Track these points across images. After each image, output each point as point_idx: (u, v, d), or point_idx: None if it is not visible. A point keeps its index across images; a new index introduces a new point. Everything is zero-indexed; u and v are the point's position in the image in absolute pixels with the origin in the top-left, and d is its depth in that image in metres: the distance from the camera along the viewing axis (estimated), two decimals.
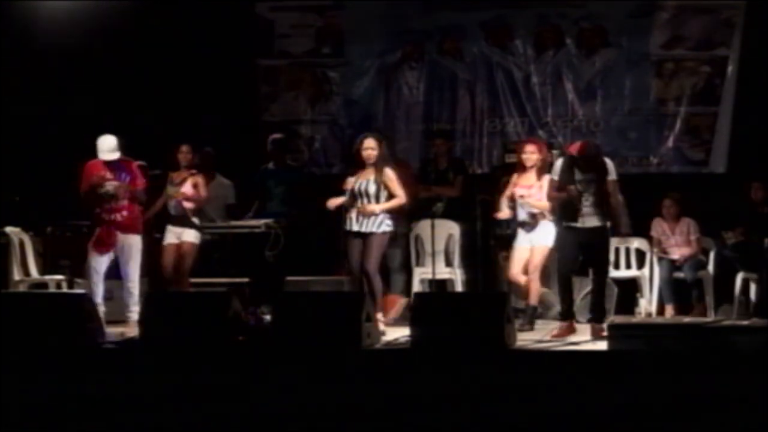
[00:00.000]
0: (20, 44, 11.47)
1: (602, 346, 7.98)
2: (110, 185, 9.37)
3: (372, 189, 9.06)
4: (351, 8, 12.13)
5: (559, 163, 9.12)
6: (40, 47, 11.54)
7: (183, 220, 9.76)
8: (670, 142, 11.73)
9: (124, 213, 9.39)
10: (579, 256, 8.99)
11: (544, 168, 9.36)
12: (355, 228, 9.07)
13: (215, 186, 10.79)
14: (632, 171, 11.62)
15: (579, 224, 8.88)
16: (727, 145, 11.58)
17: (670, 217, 10.52)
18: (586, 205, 8.89)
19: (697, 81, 11.69)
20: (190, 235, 9.76)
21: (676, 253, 10.40)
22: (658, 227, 10.55)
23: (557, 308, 9.46)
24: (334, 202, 9.22)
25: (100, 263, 9.34)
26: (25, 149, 11.13)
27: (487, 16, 11.98)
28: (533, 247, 9.27)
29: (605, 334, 8.54)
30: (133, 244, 9.37)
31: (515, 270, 9.33)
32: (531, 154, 9.36)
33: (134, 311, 9.23)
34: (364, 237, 9.05)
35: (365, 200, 9.07)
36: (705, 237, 10.53)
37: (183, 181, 9.82)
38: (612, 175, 8.98)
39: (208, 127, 11.24)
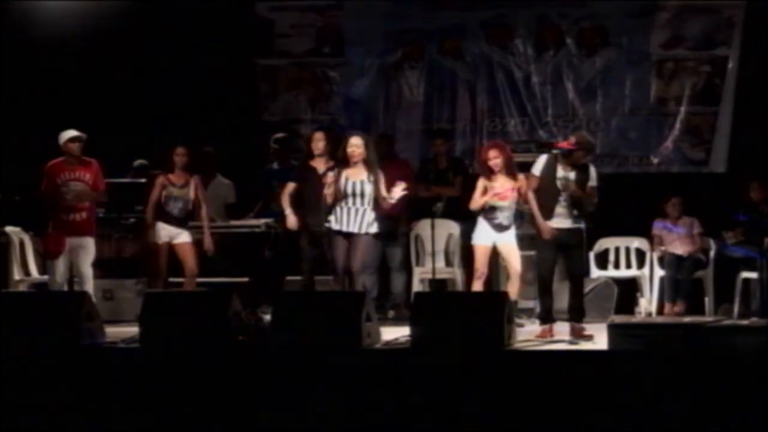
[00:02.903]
0: (19, 43, 11.48)
1: (602, 345, 7.98)
2: (73, 188, 9.47)
3: (368, 189, 8.91)
4: (351, 8, 12.13)
5: (543, 159, 9.05)
6: (39, 46, 11.54)
7: (183, 223, 9.77)
8: (670, 142, 11.74)
9: (84, 214, 9.50)
10: (557, 257, 8.94)
11: (514, 166, 9.27)
12: (342, 228, 8.90)
13: (215, 186, 10.80)
14: (632, 171, 11.64)
15: (555, 224, 8.84)
16: (728, 144, 11.58)
17: (672, 216, 10.54)
18: (563, 205, 8.84)
19: (697, 81, 11.70)
20: (185, 236, 9.77)
21: (679, 249, 10.40)
22: (659, 225, 10.56)
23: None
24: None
25: (57, 266, 9.46)
26: (25, 149, 11.13)
27: (487, 16, 11.99)
28: (503, 245, 9.16)
29: (586, 333, 8.57)
30: (88, 246, 9.51)
31: (482, 268, 9.18)
32: (495, 159, 9.14)
33: None
34: (350, 237, 8.92)
35: (358, 200, 8.93)
36: (705, 237, 10.54)
37: (186, 184, 9.81)
38: (593, 182, 8.89)
39: (208, 127, 11.25)
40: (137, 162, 11.00)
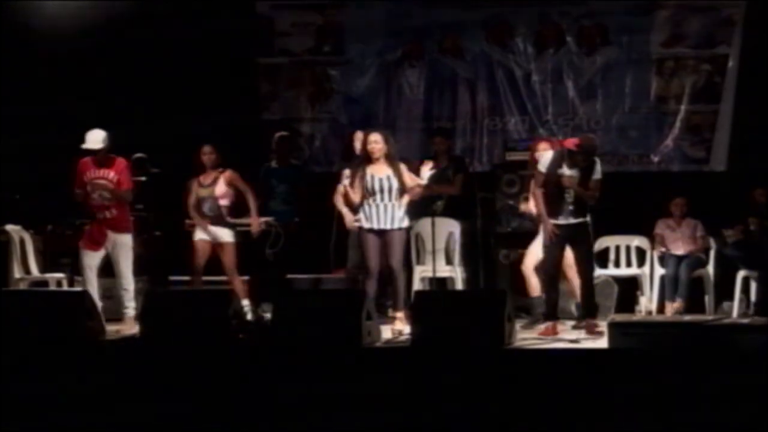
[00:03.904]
0: (20, 43, 11.48)
1: (602, 344, 7.98)
2: (99, 187, 9.46)
3: (395, 184, 8.91)
4: (351, 6, 12.14)
5: (547, 156, 9.10)
6: (39, 46, 11.54)
7: (218, 220, 9.78)
8: (670, 141, 11.73)
9: (113, 211, 9.47)
10: (563, 252, 8.97)
11: None
12: (373, 226, 8.92)
13: None
14: (633, 169, 11.64)
15: (562, 221, 8.88)
16: (728, 143, 11.58)
17: (676, 216, 10.55)
18: (569, 201, 8.88)
19: (697, 79, 11.70)
20: (226, 235, 9.76)
21: (681, 249, 10.40)
22: (662, 224, 10.57)
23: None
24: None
25: (93, 259, 9.40)
26: (25, 148, 11.13)
27: (487, 14, 11.98)
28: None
29: (599, 329, 8.57)
30: (124, 242, 9.45)
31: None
32: (545, 150, 9.30)
33: (130, 307, 9.32)
34: (383, 234, 8.93)
35: (386, 196, 8.93)
36: (706, 235, 10.54)
37: (215, 181, 9.83)
38: (597, 175, 8.94)
39: (208, 126, 11.23)
40: (135, 155, 10.98)
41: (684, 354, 7.33)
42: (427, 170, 8.95)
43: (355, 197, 8.96)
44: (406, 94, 12.15)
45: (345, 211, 9.71)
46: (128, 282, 9.41)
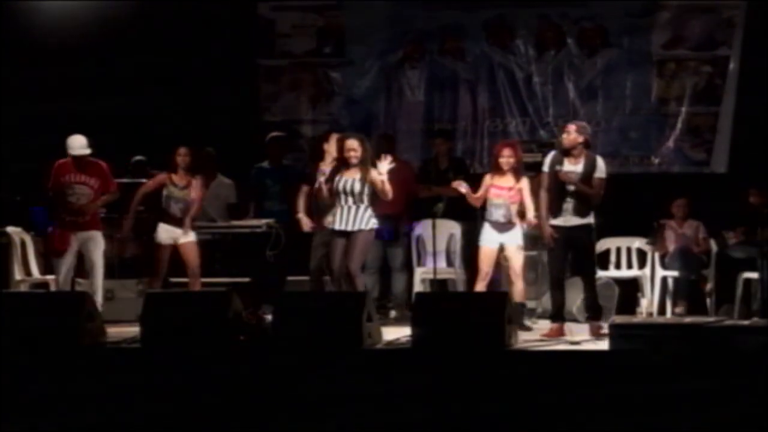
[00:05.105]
0: (20, 44, 11.48)
1: (603, 345, 7.98)
2: (79, 191, 9.54)
3: (357, 188, 8.87)
4: (352, 8, 12.13)
5: (549, 156, 9.10)
6: (40, 47, 11.54)
7: (182, 222, 9.75)
8: (671, 142, 11.74)
9: (87, 216, 9.60)
10: (568, 255, 8.97)
11: (520, 170, 9.32)
12: (341, 227, 8.89)
13: (216, 185, 10.79)
14: (633, 171, 11.65)
15: (562, 222, 8.87)
16: (729, 145, 11.59)
17: (677, 217, 10.55)
18: (570, 201, 8.86)
19: (698, 81, 11.70)
20: (190, 235, 9.76)
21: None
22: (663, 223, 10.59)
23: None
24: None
25: (63, 266, 9.53)
26: (25, 149, 11.13)
27: (488, 16, 11.99)
28: (509, 246, 9.22)
29: (604, 331, 8.56)
30: (94, 237, 9.58)
31: (486, 269, 9.26)
32: (509, 158, 9.21)
33: (98, 303, 9.32)
34: (349, 235, 8.91)
35: (350, 199, 8.92)
36: (708, 237, 10.54)
37: (188, 185, 9.81)
38: (600, 173, 8.92)
39: (209, 127, 11.24)
40: (135, 158, 11.00)
41: (685, 356, 7.32)
42: (386, 164, 8.91)
43: (327, 197, 8.98)
44: (406, 95, 12.15)
45: (301, 215, 9.79)
46: (98, 276, 9.50)
